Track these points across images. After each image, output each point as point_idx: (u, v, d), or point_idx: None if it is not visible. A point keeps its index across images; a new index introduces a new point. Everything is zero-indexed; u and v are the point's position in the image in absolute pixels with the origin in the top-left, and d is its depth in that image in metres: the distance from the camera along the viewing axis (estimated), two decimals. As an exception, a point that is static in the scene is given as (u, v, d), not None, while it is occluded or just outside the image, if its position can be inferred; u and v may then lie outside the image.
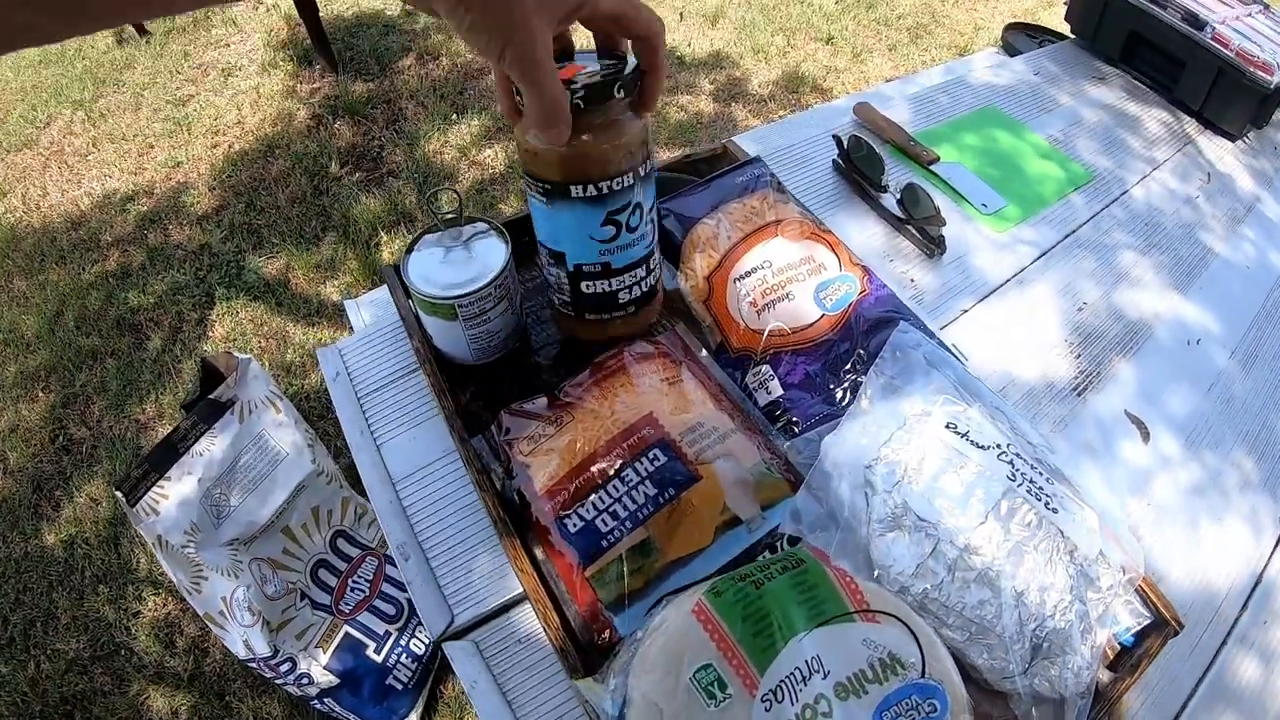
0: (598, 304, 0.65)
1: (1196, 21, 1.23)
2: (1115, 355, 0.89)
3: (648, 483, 0.57)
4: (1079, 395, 0.84)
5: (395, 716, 1.26)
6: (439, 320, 0.67)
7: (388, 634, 1.27)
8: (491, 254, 0.67)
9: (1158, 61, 1.32)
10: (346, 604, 1.24)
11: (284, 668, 1.15)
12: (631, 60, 0.55)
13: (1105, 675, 0.60)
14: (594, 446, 0.59)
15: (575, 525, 0.57)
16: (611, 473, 0.58)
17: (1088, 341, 0.89)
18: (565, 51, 0.56)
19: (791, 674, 0.45)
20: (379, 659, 1.25)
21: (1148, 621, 0.61)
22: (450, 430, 0.67)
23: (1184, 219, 1.09)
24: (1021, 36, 1.60)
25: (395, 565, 1.28)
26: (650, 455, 0.58)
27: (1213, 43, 1.21)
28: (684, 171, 0.89)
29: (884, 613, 0.49)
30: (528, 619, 0.63)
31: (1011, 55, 1.50)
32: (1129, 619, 0.61)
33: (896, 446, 0.59)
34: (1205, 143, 1.26)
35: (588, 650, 0.56)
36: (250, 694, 1.34)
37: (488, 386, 0.74)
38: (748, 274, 0.72)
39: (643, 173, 0.58)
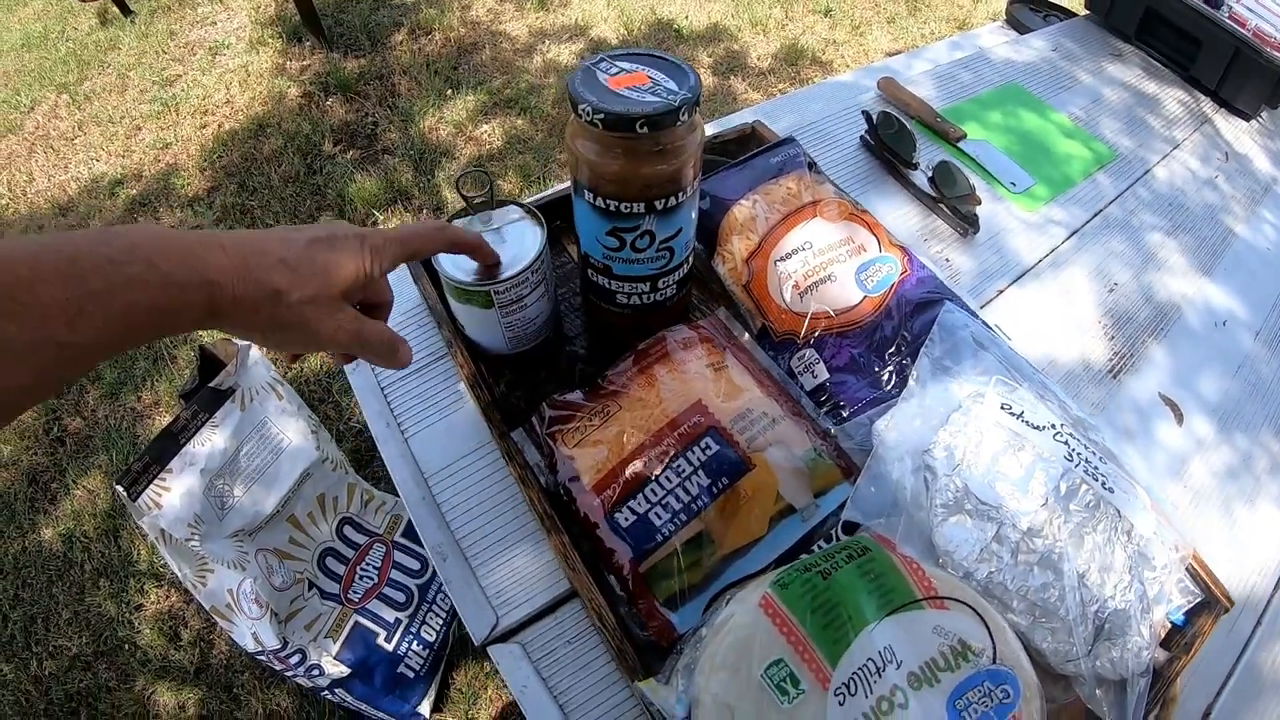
0: (598, 293, 0.67)
1: (1213, 0, 1.21)
2: (1147, 337, 0.88)
3: (700, 473, 0.56)
4: (1115, 377, 0.83)
5: (408, 705, 1.25)
6: (473, 309, 0.64)
7: (398, 621, 1.25)
8: (526, 238, 0.64)
9: (1173, 39, 1.30)
10: (355, 592, 1.21)
11: (294, 659, 1.12)
12: (693, 78, 0.54)
13: (1160, 654, 0.59)
14: (643, 437, 0.58)
15: (627, 520, 0.55)
16: (663, 464, 0.56)
17: (1120, 323, 0.89)
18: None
19: (864, 666, 0.44)
20: (390, 647, 1.23)
21: (1198, 600, 0.61)
22: (488, 423, 0.65)
23: (1206, 200, 1.08)
24: (1026, 10, 1.57)
25: (403, 551, 1.27)
26: (702, 444, 0.57)
27: (1229, 22, 1.20)
28: (713, 152, 0.87)
29: (952, 599, 0.48)
30: (575, 618, 0.61)
31: (1019, 30, 1.48)
32: (1179, 597, 0.61)
33: (954, 430, 0.57)
34: (1221, 122, 1.25)
35: (644, 649, 0.55)
36: (259, 686, 1.32)
37: (522, 376, 0.72)
38: (788, 256, 0.70)
39: (660, 207, 0.57)
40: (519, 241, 0.64)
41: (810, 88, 1.17)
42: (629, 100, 0.51)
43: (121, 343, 0.35)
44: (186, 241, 0.37)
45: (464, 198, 0.63)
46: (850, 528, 0.57)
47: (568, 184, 0.63)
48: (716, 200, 0.75)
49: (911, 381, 0.62)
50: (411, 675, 1.25)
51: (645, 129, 0.51)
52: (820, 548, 0.57)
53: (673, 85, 0.53)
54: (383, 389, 0.74)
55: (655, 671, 0.53)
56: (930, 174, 0.91)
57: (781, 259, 0.70)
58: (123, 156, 2.27)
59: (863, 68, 1.25)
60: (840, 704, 0.43)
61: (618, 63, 0.55)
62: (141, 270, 0.34)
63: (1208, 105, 1.27)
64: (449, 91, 2.39)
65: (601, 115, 0.50)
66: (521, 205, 0.67)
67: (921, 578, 0.49)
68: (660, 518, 0.55)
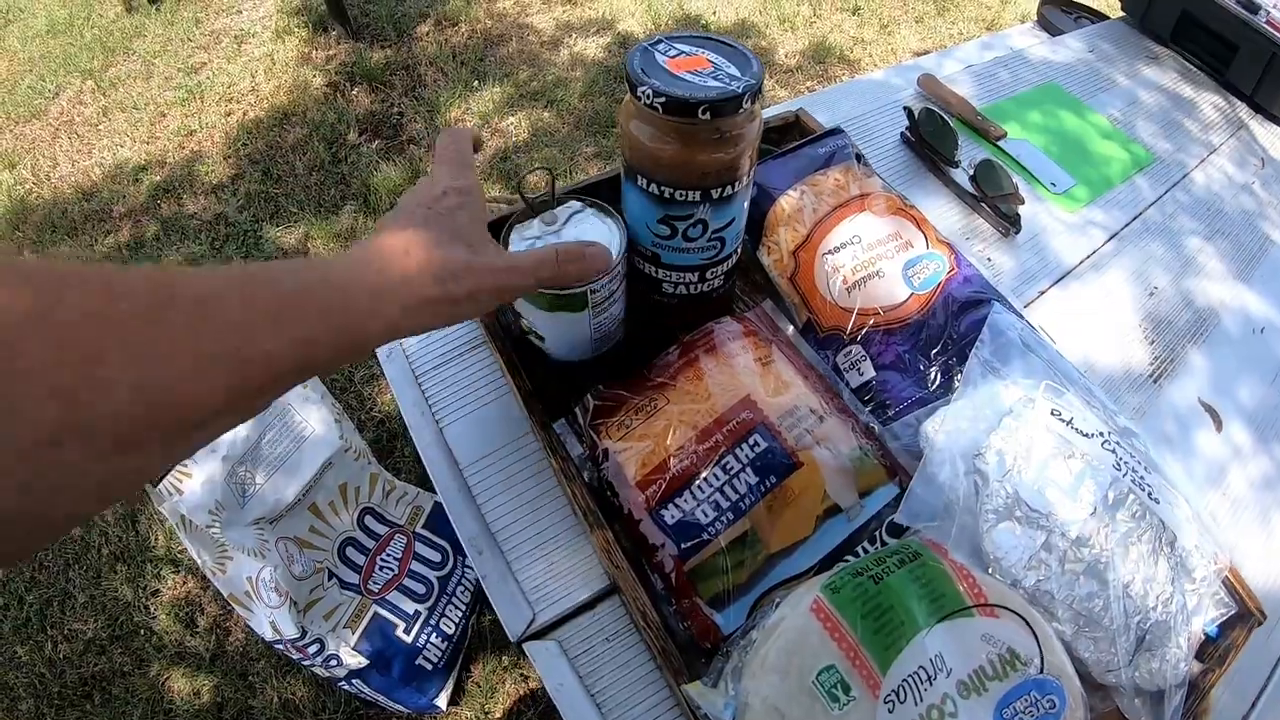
0: (643, 281, 0.64)
1: (1250, 5, 1.20)
2: (1186, 342, 0.87)
3: (748, 470, 0.55)
4: (1155, 382, 0.83)
5: (425, 698, 1.25)
6: (562, 315, 0.59)
7: (417, 613, 1.24)
8: (602, 230, 0.59)
9: (1209, 43, 1.29)
10: (375, 583, 1.21)
11: (312, 649, 1.12)
12: (755, 64, 0.52)
13: (1195, 666, 0.58)
14: (690, 431, 0.57)
15: (673, 517, 0.55)
16: (711, 460, 0.55)
17: (1160, 328, 0.88)
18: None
19: (915, 673, 0.44)
20: (409, 639, 1.23)
21: (1232, 612, 0.60)
22: (528, 413, 0.64)
23: (1242, 206, 1.07)
24: (1057, 12, 1.55)
25: (424, 543, 1.27)
26: (750, 441, 0.56)
27: (1266, 26, 1.18)
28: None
29: (1002, 606, 0.48)
30: (614, 614, 0.60)
31: (1050, 32, 1.47)
32: (1214, 609, 0.60)
33: (1005, 434, 0.57)
34: (1257, 128, 1.23)
35: (687, 650, 0.54)
36: (274, 675, 1.32)
37: (593, 379, 0.68)
38: (837, 249, 0.69)
39: (715, 195, 0.55)
40: (597, 235, 0.58)
41: (843, 85, 1.16)
42: (691, 85, 0.49)
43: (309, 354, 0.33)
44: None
45: (524, 199, 0.59)
46: (896, 530, 0.57)
47: (602, 172, 0.61)
48: (762, 190, 0.74)
49: (960, 383, 0.62)
50: (429, 668, 1.25)
51: (707, 115, 0.49)
52: (865, 550, 0.57)
53: (735, 71, 0.52)
54: (417, 377, 0.74)
55: (696, 671, 0.53)
56: (972, 172, 0.91)
57: (829, 252, 0.69)
58: (147, 143, 2.28)
59: (894, 66, 1.24)
60: (890, 711, 0.43)
61: (677, 44, 0.54)
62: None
63: (1244, 110, 1.26)
64: (475, 83, 2.40)
65: (663, 99, 0.49)
66: (583, 199, 0.61)
67: (972, 584, 0.48)
68: (707, 515, 0.54)
